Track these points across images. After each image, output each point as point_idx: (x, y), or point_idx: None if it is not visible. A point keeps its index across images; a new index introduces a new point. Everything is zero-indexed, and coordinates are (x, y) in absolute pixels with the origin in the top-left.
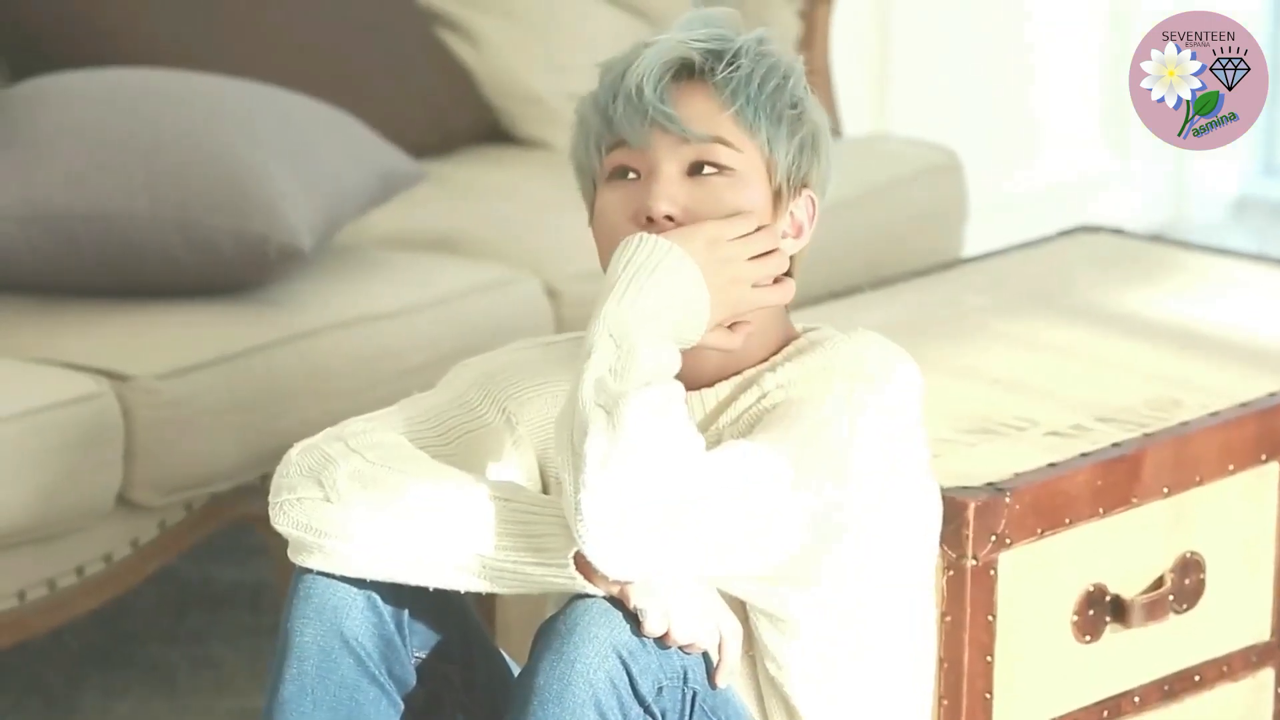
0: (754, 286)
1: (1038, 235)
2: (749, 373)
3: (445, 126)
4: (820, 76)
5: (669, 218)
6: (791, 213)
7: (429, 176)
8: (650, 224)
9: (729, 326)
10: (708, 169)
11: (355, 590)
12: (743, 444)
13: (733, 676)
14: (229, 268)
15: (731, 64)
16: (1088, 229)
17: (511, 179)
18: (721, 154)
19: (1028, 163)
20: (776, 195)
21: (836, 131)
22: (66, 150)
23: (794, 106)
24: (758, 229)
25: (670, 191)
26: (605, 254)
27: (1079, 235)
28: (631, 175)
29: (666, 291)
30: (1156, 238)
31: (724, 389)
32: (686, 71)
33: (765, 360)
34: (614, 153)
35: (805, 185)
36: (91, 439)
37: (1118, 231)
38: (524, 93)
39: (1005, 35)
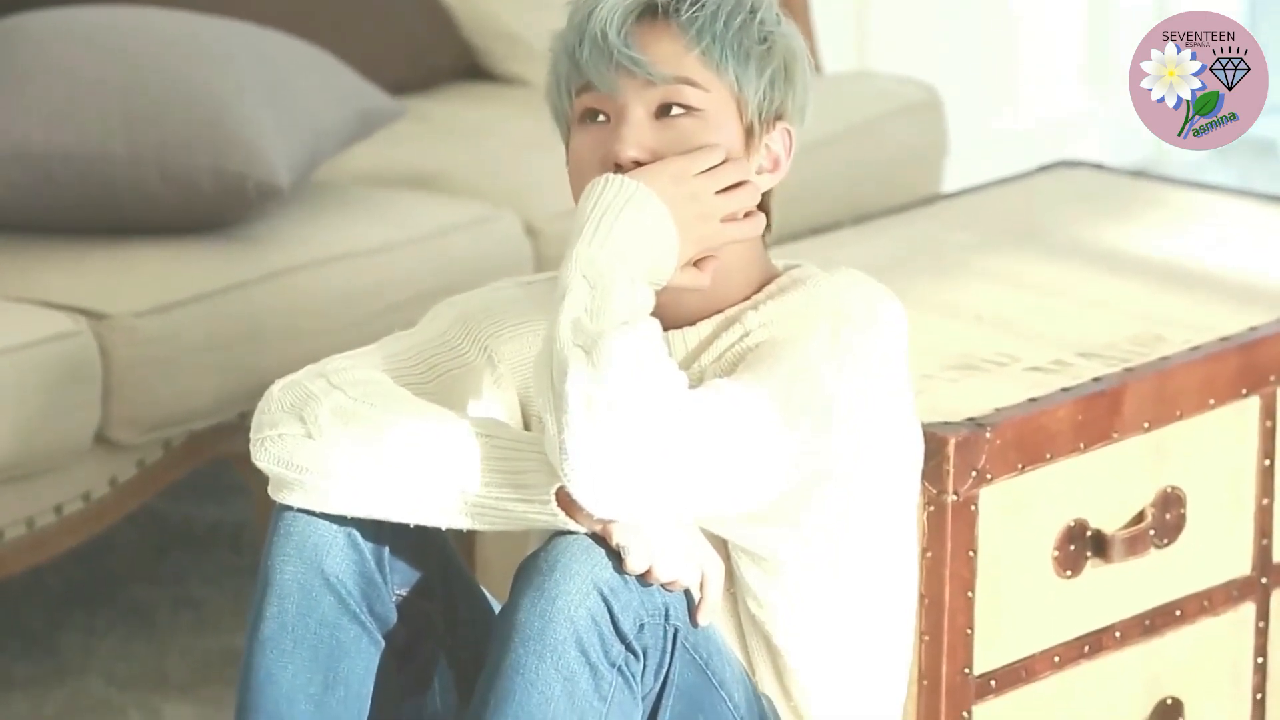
0: (724, 220)
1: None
2: (731, 311)
3: (424, 64)
4: (800, 13)
5: (637, 162)
6: (767, 146)
7: (408, 114)
8: (619, 169)
9: (695, 264)
10: (676, 110)
11: (336, 528)
12: (727, 383)
13: (714, 614)
14: (208, 205)
15: (696, 2)
16: (1068, 164)
17: (491, 116)
18: (689, 95)
19: (1009, 100)
20: (749, 132)
21: (817, 67)
22: (45, 88)
23: (763, 40)
24: (724, 162)
25: (637, 136)
26: (578, 197)
27: (1059, 170)
28: (601, 118)
29: (635, 230)
30: (1138, 173)
31: (706, 327)
32: (651, 12)
33: (747, 298)
34: (582, 96)
35: (780, 118)
36: (69, 377)
37: (1098, 167)
38: (503, 30)
39: None
